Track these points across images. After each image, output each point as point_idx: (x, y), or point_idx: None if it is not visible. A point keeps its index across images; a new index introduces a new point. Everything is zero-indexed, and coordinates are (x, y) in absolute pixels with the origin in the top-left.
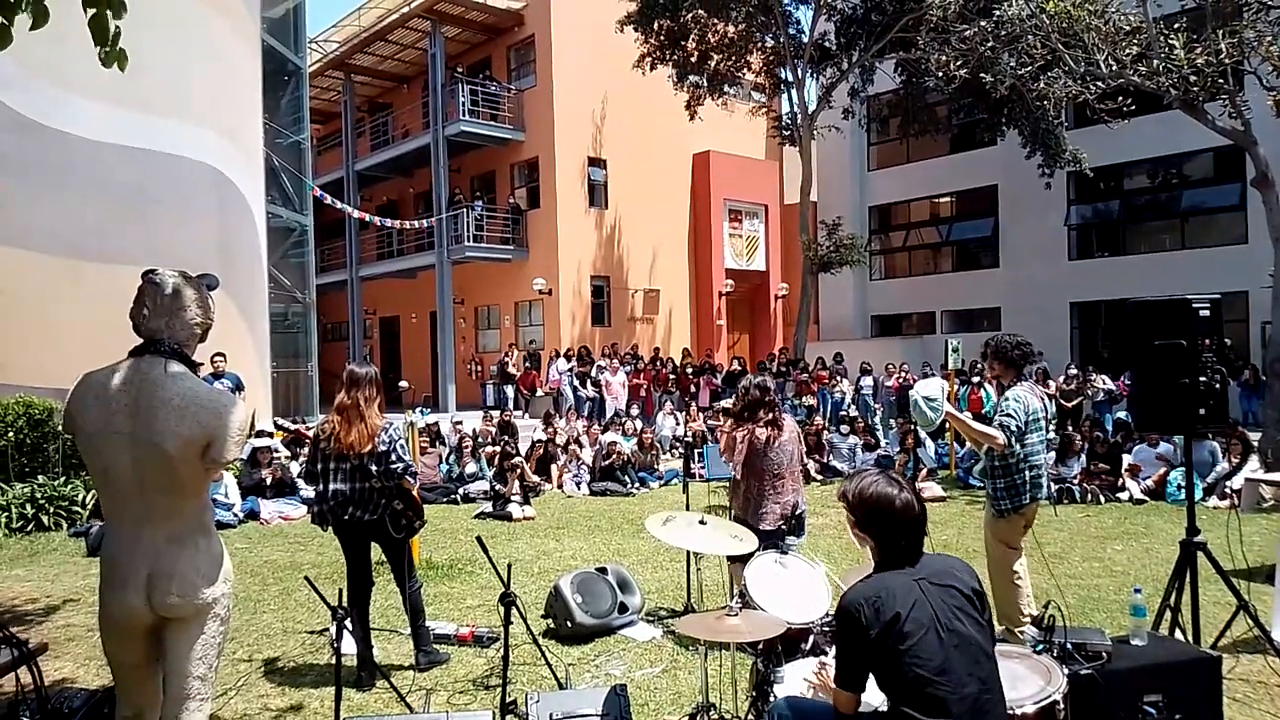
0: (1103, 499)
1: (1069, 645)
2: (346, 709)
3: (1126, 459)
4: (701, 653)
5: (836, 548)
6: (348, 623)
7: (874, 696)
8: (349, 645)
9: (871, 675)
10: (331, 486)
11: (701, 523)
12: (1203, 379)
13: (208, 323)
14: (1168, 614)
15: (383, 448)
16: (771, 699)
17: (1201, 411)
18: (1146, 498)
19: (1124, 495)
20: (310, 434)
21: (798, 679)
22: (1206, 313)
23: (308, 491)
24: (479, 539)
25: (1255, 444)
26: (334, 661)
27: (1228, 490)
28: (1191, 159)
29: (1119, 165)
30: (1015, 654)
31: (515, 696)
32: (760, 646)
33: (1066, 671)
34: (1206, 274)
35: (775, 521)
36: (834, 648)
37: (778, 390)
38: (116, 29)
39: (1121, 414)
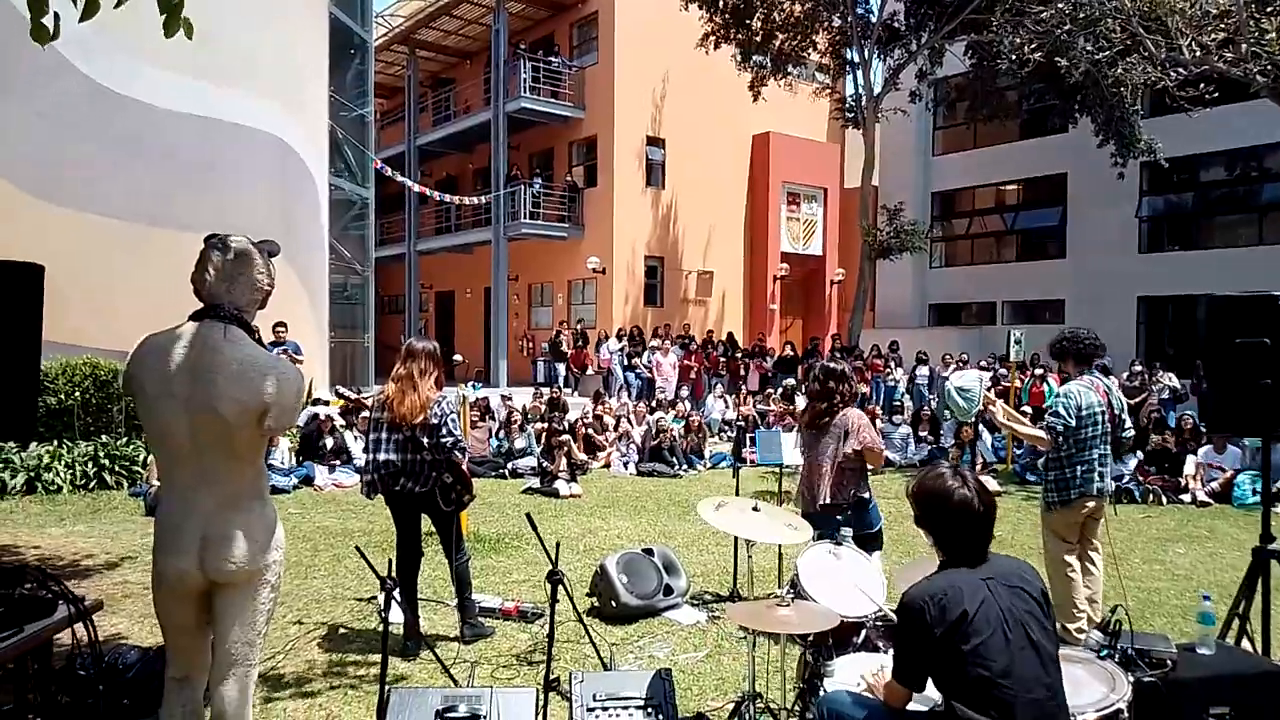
0: (1164, 500)
1: (1131, 651)
2: (391, 677)
3: (1191, 460)
4: (750, 641)
5: (887, 540)
6: (395, 593)
7: (928, 692)
8: (396, 614)
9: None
10: (382, 456)
11: (755, 509)
12: None
13: (268, 289)
14: (1235, 622)
15: (434, 420)
16: (821, 692)
17: None
18: (1211, 500)
19: (1185, 497)
20: (369, 403)
21: (848, 674)
22: None
23: (362, 460)
24: (529, 516)
25: None
26: (380, 629)
27: None
28: (1273, 152)
29: (1195, 156)
30: (1078, 658)
31: (558, 674)
32: (810, 638)
33: (1131, 679)
34: None
35: (813, 506)
36: (894, 642)
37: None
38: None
39: (1189, 413)
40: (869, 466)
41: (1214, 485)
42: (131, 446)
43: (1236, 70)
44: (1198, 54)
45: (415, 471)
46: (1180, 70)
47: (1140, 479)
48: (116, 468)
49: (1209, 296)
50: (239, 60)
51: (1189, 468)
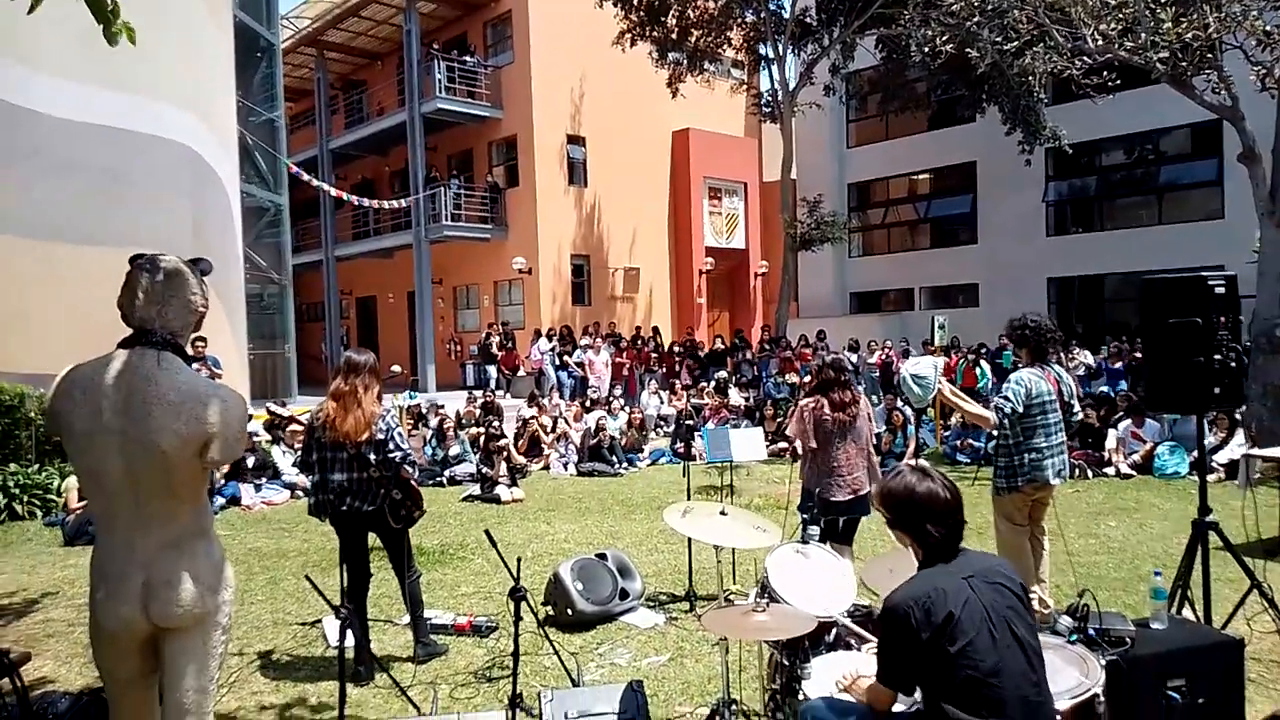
0: (1089, 474)
1: (1092, 631)
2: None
3: (1112, 433)
4: (722, 646)
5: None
6: (353, 623)
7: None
8: (347, 639)
9: None
10: (330, 476)
11: (723, 513)
12: (1218, 357)
13: (203, 310)
14: (1178, 593)
15: (380, 436)
16: (801, 697)
17: (1216, 391)
18: (1133, 472)
19: (1109, 470)
20: (302, 419)
21: (824, 675)
22: (1222, 289)
23: (292, 476)
24: (488, 533)
25: (1239, 418)
26: (329, 653)
27: (1215, 465)
28: (1168, 135)
29: (1096, 141)
30: (1050, 645)
31: (522, 690)
32: (783, 640)
33: (1104, 662)
34: (1182, 250)
35: (845, 495)
36: (879, 646)
37: (762, 366)
38: (114, 4)
39: (1103, 388)
40: None
41: (1135, 457)
42: (44, 474)
43: (1137, 58)
44: (1100, 43)
45: (362, 490)
46: (1085, 59)
47: (1070, 456)
48: (28, 497)
49: (1143, 278)
50: (141, 66)
51: (1111, 441)
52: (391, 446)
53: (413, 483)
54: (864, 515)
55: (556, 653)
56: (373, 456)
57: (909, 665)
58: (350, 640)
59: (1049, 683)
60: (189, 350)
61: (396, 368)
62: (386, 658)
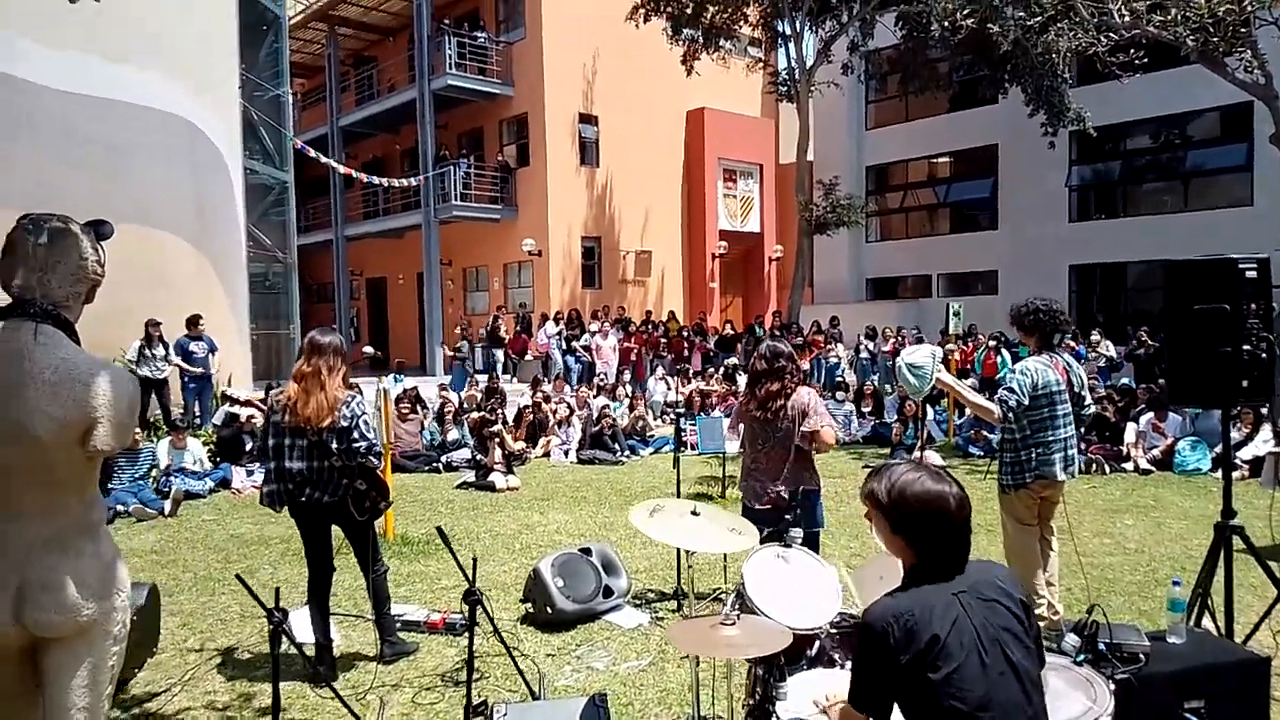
0: (1107, 469)
1: (1103, 646)
2: (301, 710)
3: (1131, 427)
4: (693, 658)
5: (834, 524)
6: (289, 625)
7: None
8: (307, 635)
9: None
10: (287, 465)
11: (694, 513)
12: (1247, 347)
13: (96, 278)
14: (1197, 602)
15: (344, 423)
16: (774, 717)
17: (1245, 384)
18: (1152, 468)
19: (1128, 465)
20: (265, 404)
21: (801, 695)
22: (1254, 274)
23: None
24: (439, 529)
25: (1265, 413)
26: (296, 653)
27: (1239, 462)
28: (1196, 118)
29: (1121, 124)
30: (1054, 665)
31: (488, 698)
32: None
33: (1113, 686)
34: (1208, 237)
35: (765, 502)
36: (853, 666)
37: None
38: None
39: (1125, 380)
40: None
41: (1155, 452)
42: None
43: (1166, 34)
44: (1127, 18)
45: (323, 480)
46: (1111, 35)
47: (1083, 448)
48: None
49: (1167, 262)
50: (141, 37)
51: (1130, 435)
52: (356, 435)
53: (378, 473)
54: (798, 528)
55: (515, 662)
56: (335, 445)
57: (884, 689)
58: (309, 634)
59: (1055, 710)
60: (185, 329)
61: (369, 349)
62: (353, 655)
